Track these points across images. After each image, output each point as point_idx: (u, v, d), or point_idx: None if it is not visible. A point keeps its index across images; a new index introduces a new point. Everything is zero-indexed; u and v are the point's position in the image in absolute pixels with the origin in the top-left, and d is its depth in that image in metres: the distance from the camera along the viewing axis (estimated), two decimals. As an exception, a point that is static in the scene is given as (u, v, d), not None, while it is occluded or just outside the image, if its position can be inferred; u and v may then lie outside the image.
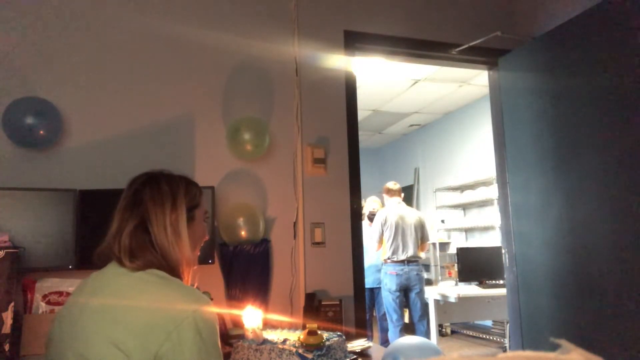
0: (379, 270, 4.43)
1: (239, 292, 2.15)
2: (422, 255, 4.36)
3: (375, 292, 4.59)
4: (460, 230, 6.38)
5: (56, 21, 2.14)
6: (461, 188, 6.32)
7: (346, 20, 2.60)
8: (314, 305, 2.16)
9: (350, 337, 1.91)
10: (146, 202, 1.03)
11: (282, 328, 1.77)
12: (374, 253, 4.40)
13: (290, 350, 1.40)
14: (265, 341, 1.48)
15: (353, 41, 2.60)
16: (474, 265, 4.39)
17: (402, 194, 4.52)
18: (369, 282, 4.33)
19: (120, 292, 0.94)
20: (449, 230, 6.56)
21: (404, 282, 4.13)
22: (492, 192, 5.29)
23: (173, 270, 1.02)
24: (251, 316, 1.56)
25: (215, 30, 2.36)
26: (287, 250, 2.35)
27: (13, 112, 1.94)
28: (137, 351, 0.85)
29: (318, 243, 2.41)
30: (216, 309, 0.98)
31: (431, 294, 4.19)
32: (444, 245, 6.56)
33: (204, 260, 2.00)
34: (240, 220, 2.15)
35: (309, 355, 1.40)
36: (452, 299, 3.95)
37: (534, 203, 2.57)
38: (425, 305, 4.21)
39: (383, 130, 7.37)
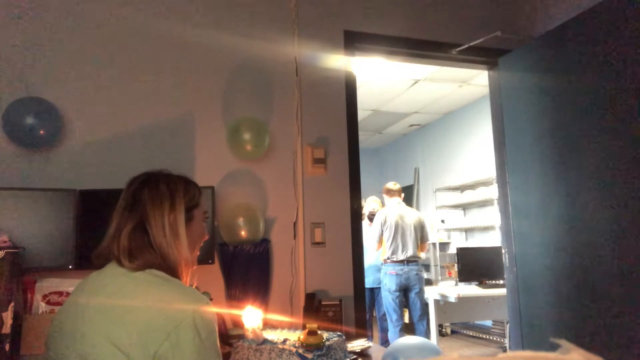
0: (378, 270, 4.43)
1: (239, 292, 2.15)
2: (422, 255, 4.36)
3: (375, 292, 4.59)
4: (460, 230, 6.38)
5: (56, 21, 2.14)
6: (461, 188, 6.32)
7: (346, 20, 2.60)
8: (314, 305, 2.16)
9: (350, 337, 1.91)
10: (145, 203, 1.03)
11: (282, 328, 1.77)
12: (374, 253, 4.40)
13: (290, 350, 1.40)
14: (265, 341, 1.48)
15: (353, 41, 2.60)
16: (474, 265, 4.39)
17: (402, 194, 4.52)
18: (369, 282, 4.34)
19: (120, 292, 0.94)
20: (449, 230, 6.56)
21: (403, 282, 4.13)
22: (492, 192, 5.29)
23: (172, 270, 1.02)
24: (251, 316, 1.56)
25: (215, 30, 2.36)
26: (287, 250, 2.35)
27: (13, 112, 1.93)
28: (136, 351, 0.85)
29: (318, 243, 2.40)
30: (216, 309, 0.98)
31: (431, 294, 4.19)
32: (444, 245, 6.56)
33: (204, 260, 2.00)
34: (240, 220, 2.15)
35: (309, 355, 1.40)
36: (452, 299, 3.95)
37: (534, 203, 2.57)
38: (425, 305, 4.21)
39: (383, 130, 7.37)
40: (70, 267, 1.88)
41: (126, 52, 2.23)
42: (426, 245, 4.43)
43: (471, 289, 4.18)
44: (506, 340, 4.84)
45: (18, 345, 1.70)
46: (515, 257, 2.71)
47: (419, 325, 4.17)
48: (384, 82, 5.21)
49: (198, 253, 1.16)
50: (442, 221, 6.48)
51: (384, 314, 4.38)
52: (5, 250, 1.65)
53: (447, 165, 6.63)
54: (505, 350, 4.50)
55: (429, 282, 5.10)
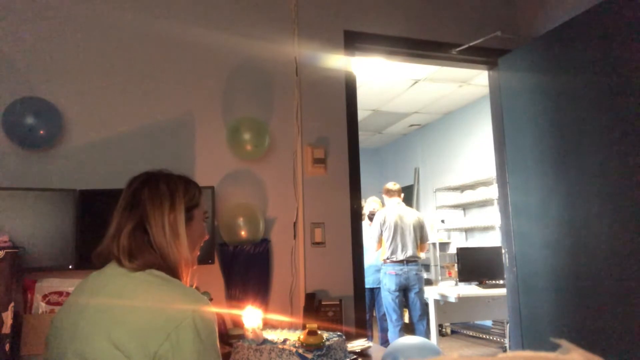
0: (378, 270, 4.43)
1: (239, 292, 2.15)
2: (422, 255, 4.36)
3: (375, 292, 4.59)
4: (460, 230, 6.38)
5: (56, 22, 2.14)
6: (461, 188, 6.32)
7: (346, 20, 2.60)
8: (314, 305, 2.16)
9: (350, 337, 1.91)
10: (145, 202, 1.03)
11: (282, 328, 1.77)
12: (374, 253, 4.40)
13: (290, 350, 1.40)
14: (265, 341, 1.48)
15: (353, 41, 2.60)
16: (474, 265, 4.39)
17: (402, 195, 4.52)
18: (368, 282, 4.34)
19: (120, 292, 0.94)
20: (449, 230, 6.56)
21: (403, 282, 4.13)
22: (492, 192, 5.29)
23: (172, 270, 1.02)
24: (251, 316, 1.56)
25: (215, 30, 2.36)
26: (287, 250, 2.35)
27: (13, 112, 1.93)
28: (136, 351, 0.85)
29: (318, 243, 2.40)
30: (216, 309, 0.98)
31: (431, 294, 4.19)
32: (444, 245, 6.56)
33: (204, 260, 2.00)
34: (240, 220, 2.15)
35: (309, 355, 1.40)
36: (452, 299, 3.95)
37: (534, 203, 2.57)
38: (424, 305, 4.21)
39: (383, 130, 7.37)
40: (70, 267, 1.88)
41: (126, 52, 2.23)
42: (426, 246, 4.43)
43: (471, 289, 4.18)
44: (506, 340, 4.84)
45: (18, 345, 1.70)
46: (515, 257, 2.71)
47: (419, 325, 4.18)
48: (384, 82, 5.21)
49: (198, 253, 1.16)
50: (442, 221, 6.48)
51: (384, 314, 4.38)
52: (5, 250, 1.65)
53: (447, 165, 6.63)
54: (505, 350, 4.50)
55: (429, 282, 5.10)
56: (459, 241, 6.40)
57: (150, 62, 2.26)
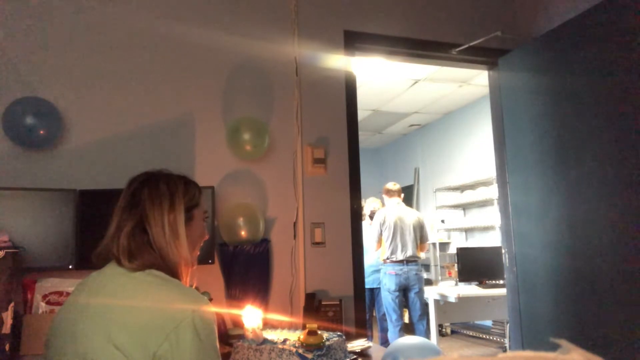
0: (378, 270, 4.43)
1: (239, 292, 2.15)
2: (422, 255, 4.36)
3: (375, 292, 4.59)
4: (460, 230, 6.37)
5: (57, 22, 2.14)
6: (461, 188, 6.32)
7: (346, 20, 2.60)
8: (314, 305, 2.16)
9: (350, 337, 1.91)
10: (144, 202, 1.03)
11: (282, 328, 1.77)
12: (374, 253, 4.40)
13: (290, 350, 1.40)
14: (265, 341, 1.48)
15: (353, 41, 2.59)
16: (474, 265, 4.39)
17: (402, 195, 4.52)
18: (368, 282, 4.34)
19: (119, 292, 0.94)
20: (449, 230, 6.56)
21: (403, 282, 4.13)
22: (492, 192, 5.29)
23: (172, 270, 1.02)
24: (251, 316, 1.56)
25: (215, 30, 2.36)
26: (287, 250, 2.35)
27: (13, 112, 1.93)
28: (136, 351, 0.85)
29: (318, 243, 2.40)
30: (216, 309, 0.98)
31: (431, 294, 4.19)
32: (444, 245, 6.56)
33: (204, 260, 2.00)
34: (240, 220, 2.15)
35: (309, 355, 1.40)
36: (452, 299, 3.95)
37: (534, 203, 2.57)
38: (424, 305, 4.21)
39: (383, 130, 7.37)
40: (70, 267, 1.88)
41: (126, 52, 2.23)
42: (426, 246, 4.43)
43: (471, 289, 4.18)
44: (506, 340, 4.84)
45: (18, 345, 1.70)
46: (515, 257, 2.71)
47: (419, 325, 4.18)
48: (384, 82, 5.21)
49: (198, 253, 1.16)
50: (442, 221, 6.49)
51: (384, 314, 4.38)
52: (5, 250, 1.65)
53: (447, 165, 6.63)
54: (505, 350, 4.50)
55: (429, 282, 5.10)
56: (459, 241, 6.40)
57: (150, 62, 2.26)
